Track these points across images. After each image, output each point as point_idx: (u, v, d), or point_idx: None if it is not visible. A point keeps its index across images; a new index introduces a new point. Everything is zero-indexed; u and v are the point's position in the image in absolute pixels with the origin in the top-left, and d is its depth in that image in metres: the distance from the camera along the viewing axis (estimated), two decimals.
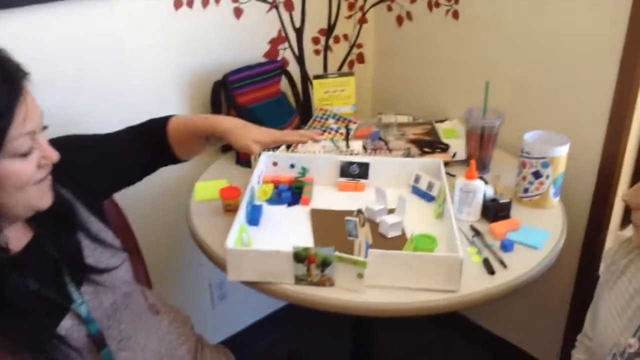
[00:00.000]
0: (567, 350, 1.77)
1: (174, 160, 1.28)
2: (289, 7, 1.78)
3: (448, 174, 1.55)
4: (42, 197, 0.95)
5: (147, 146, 1.23)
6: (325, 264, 1.13)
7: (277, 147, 1.55)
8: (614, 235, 1.60)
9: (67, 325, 0.96)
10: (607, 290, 1.08)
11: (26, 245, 0.98)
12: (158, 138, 1.24)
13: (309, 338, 2.13)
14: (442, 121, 1.86)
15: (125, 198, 1.56)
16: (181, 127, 1.24)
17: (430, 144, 1.69)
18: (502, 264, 1.21)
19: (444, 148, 1.67)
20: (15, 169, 0.88)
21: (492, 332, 2.02)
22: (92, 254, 1.05)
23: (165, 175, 1.64)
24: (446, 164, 1.60)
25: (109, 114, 1.32)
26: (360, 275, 1.12)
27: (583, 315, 1.20)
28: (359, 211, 1.19)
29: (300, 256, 1.12)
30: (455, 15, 1.77)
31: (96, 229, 1.09)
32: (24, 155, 0.89)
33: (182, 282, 1.86)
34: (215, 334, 2.02)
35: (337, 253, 1.11)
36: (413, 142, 1.71)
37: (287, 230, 1.34)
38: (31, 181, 0.91)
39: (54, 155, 0.94)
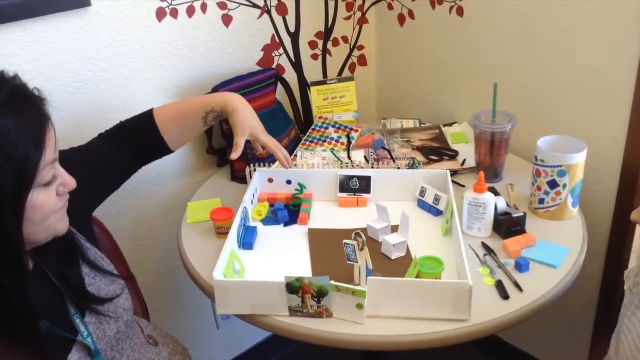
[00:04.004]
0: None
1: (164, 151, 1.28)
2: (282, 11, 1.68)
3: (457, 183, 1.45)
4: (61, 223, 0.93)
5: (134, 144, 1.23)
6: (321, 294, 1.03)
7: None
8: (636, 255, 1.48)
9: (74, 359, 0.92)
10: (629, 315, 0.98)
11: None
12: (148, 132, 1.23)
13: (319, 355, 2.04)
14: (450, 125, 1.75)
15: (116, 221, 1.50)
16: (171, 112, 1.27)
17: (437, 151, 1.58)
18: (518, 286, 1.11)
19: (453, 155, 1.57)
20: (42, 200, 0.86)
21: (514, 345, 1.91)
22: (93, 283, 1.01)
23: (158, 194, 1.59)
24: (455, 172, 1.50)
25: (89, 133, 1.25)
26: (359, 306, 1.02)
27: (609, 328, 1.10)
28: (357, 234, 1.09)
29: (293, 287, 1.03)
30: (460, 12, 1.66)
31: (93, 256, 1.06)
32: (48, 184, 0.87)
33: (182, 305, 1.78)
34: (221, 355, 1.95)
35: (333, 282, 1.02)
36: (419, 149, 1.60)
37: (283, 254, 1.25)
38: (53, 211, 0.89)
39: (73, 183, 0.92)
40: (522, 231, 1.25)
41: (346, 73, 1.92)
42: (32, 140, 0.83)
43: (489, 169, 1.45)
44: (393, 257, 1.20)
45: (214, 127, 1.59)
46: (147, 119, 1.25)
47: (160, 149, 1.27)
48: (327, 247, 1.24)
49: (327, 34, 1.83)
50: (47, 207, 0.87)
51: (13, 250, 0.84)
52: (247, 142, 1.47)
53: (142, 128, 1.24)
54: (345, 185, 1.40)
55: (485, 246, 1.23)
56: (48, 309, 0.93)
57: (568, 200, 1.28)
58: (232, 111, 1.26)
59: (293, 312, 1.06)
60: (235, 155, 1.27)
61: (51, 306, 0.94)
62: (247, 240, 1.26)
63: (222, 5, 1.55)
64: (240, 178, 1.54)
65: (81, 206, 1.07)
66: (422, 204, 1.37)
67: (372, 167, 1.46)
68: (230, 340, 1.96)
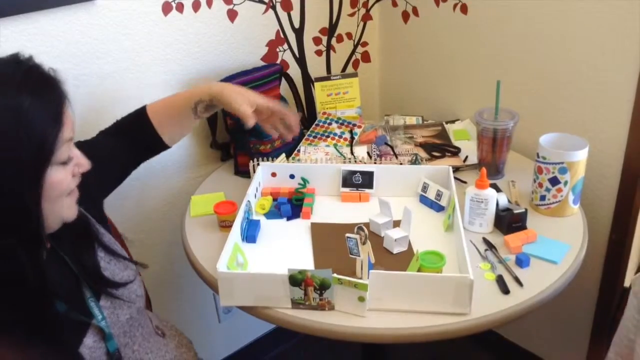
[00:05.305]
0: None
1: (160, 146, 1.27)
2: (287, 6, 1.69)
3: (459, 180, 1.46)
4: (71, 208, 0.93)
5: (131, 142, 1.23)
6: (323, 286, 1.04)
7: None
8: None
9: (89, 343, 0.94)
10: None
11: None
12: (142, 128, 1.24)
13: (320, 349, 2.06)
14: (452, 122, 1.76)
15: (120, 213, 1.51)
16: (163, 106, 1.26)
17: (439, 148, 1.59)
18: (518, 281, 1.12)
19: (455, 152, 1.58)
20: (60, 177, 0.87)
21: (514, 342, 1.92)
22: (107, 267, 1.03)
23: (162, 187, 1.60)
24: (457, 168, 1.51)
25: (94, 126, 1.26)
26: (361, 299, 1.04)
27: (608, 325, 1.10)
28: (360, 228, 1.10)
29: (296, 279, 1.04)
30: (464, 9, 1.66)
31: (108, 241, 1.07)
32: (64, 163, 0.88)
33: (184, 298, 1.79)
34: (222, 348, 1.97)
35: (335, 275, 1.03)
36: (422, 145, 1.61)
37: (286, 247, 1.26)
38: (68, 191, 0.90)
39: (87, 164, 0.93)
40: (523, 227, 1.26)
41: (350, 69, 1.93)
42: (51, 117, 0.84)
43: (491, 165, 1.46)
44: (395, 252, 1.21)
45: (217, 122, 1.61)
46: (140, 115, 1.25)
47: (156, 144, 1.27)
48: (330, 240, 1.25)
49: (331, 30, 1.83)
50: (64, 185, 0.88)
51: (32, 225, 0.85)
52: (250, 138, 1.49)
53: (137, 124, 1.25)
54: (348, 180, 1.41)
55: (486, 241, 1.24)
56: (64, 292, 0.94)
57: (569, 197, 1.29)
58: (219, 92, 1.22)
59: (295, 304, 1.07)
60: (251, 122, 1.20)
61: (67, 289, 0.95)
62: (250, 233, 1.27)
63: (227, 0, 1.55)
64: (243, 172, 1.55)
65: (93, 192, 1.08)
66: (424, 200, 1.38)
67: (375, 163, 1.47)
68: (231, 333, 1.97)
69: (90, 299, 0.96)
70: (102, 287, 0.99)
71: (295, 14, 1.72)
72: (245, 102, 1.21)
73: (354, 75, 1.75)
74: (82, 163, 0.93)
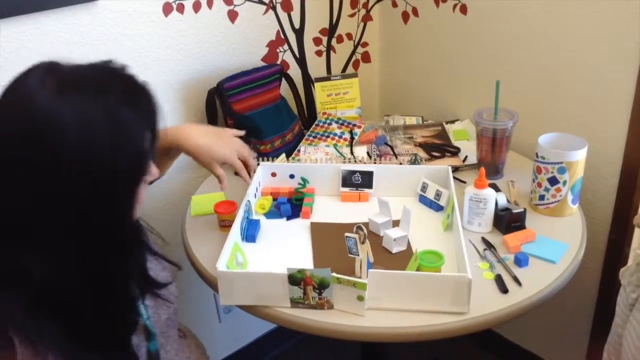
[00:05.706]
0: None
1: None
2: (287, 7, 1.70)
3: (458, 179, 1.46)
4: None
5: None
6: (322, 285, 1.05)
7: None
8: (634, 253, 1.49)
9: (135, 342, 0.93)
10: (630, 319, 0.98)
11: None
12: None
13: (320, 349, 2.06)
14: (452, 122, 1.77)
15: None
16: None
17: (439, 148, 1.60)
18: (517, 281, 1.12)
19: (454, 152, 1.58)
20: (142, 190, 0.87)
21: (513, 342, 1.93)
22: (150, 267, 1.03)
23: (163, 186, 1.61)
24: (457, 168, 1.51)
25: None
26: (360, 298, 1.04)
27: (607, 324, 1.10)
28: (359, 227, 1.11)
29: (295, 278, 1.05)
30: (464, 10, 1.67)
31: (150, 241, 1.07)
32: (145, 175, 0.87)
33: (184, 298, 1.79)
34: (222, 348, 1.97)
35: (334, 274, 1.03)
36: (421, 145, 1.62)
37: (285, 247, 1.26)
38: (143, 198, 0.90)
39: (157, 172, 0.92)
40: (521, 227, 1.26)
41: (350, 69, 1.94)
42: (147, 128, 0.83)
43: (491, 165, 1.46)
44: (394, 251, 1.21)
45: (217, 122, 1.62)
46: None
47: None
48: (329, 240, 1.26)
49: (331, 30, 1.84)
50: (144, 193, 0.89)
51: (129, 234, 0.86)
52: (250, 137, 1.50)
53: None
54: (348, 179, 1.41)
55: (485, 241, 1.24)
56: None
57: (568, 197, 1.30)
58: (188, 152, 1.24)
59: (295, 303, 1.08)
60: (223, 185, 1.29)
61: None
62: (250, 232, 1.27)
63: (228, 1, 1.56)
64: None
65: None
66: (423, 199, 1.39)
67: (375, 163, 1.48)
68: (231, 333, 1.97)
69: (138, 298, 0.96)
70: (149, 287, 0.99)
71: (296, 15, 1.73)
72: (217, 165, 1.27)
73: (354, 75, 1.75)
74: (154, 172, 0.91)
